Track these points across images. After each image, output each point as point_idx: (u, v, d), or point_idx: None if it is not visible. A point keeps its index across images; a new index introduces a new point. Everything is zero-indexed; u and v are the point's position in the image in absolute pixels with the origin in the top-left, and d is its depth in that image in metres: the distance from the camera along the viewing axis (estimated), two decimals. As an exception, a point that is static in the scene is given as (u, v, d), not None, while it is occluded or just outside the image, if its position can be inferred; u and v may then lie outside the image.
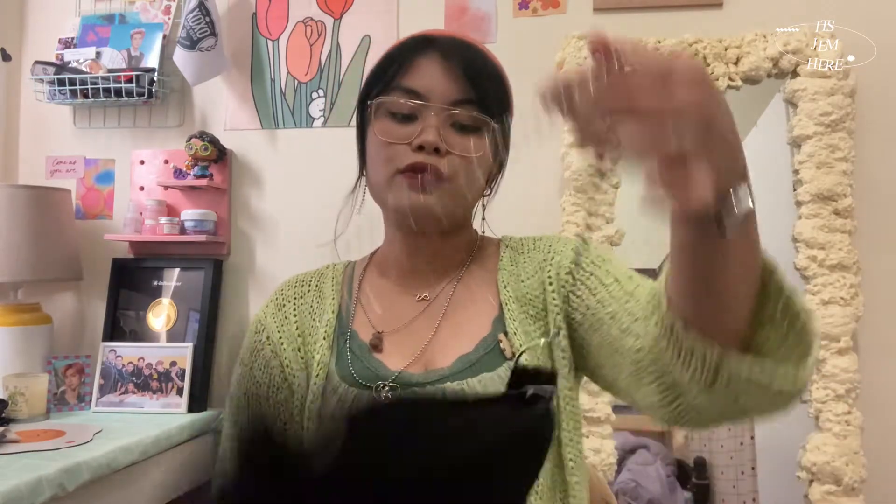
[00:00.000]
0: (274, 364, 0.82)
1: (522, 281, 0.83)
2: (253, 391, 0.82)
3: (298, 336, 0.84)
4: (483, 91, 0.77)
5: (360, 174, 0.89)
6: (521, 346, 0.76)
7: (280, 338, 0.84)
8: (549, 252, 0.84)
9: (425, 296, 0.84)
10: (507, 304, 0.81)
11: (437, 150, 0.75)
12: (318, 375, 0.79)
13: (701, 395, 0.57)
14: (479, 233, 0.92)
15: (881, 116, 1.62)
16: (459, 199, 0.80)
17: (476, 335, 0.80)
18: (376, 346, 0.81)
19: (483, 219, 0.89)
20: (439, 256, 0.85)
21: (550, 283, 0.80)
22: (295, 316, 0.85)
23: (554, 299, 0.79)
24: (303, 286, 0.89)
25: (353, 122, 2.04)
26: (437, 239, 0.83)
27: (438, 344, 0.80)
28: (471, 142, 0.77)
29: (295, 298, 0.88)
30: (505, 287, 0.82)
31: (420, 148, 0.75)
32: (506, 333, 0.79)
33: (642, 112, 0.40)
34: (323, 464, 0.44)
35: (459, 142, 0.77)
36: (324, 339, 0.82)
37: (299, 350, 0.83)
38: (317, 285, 0.89)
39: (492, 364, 0.77)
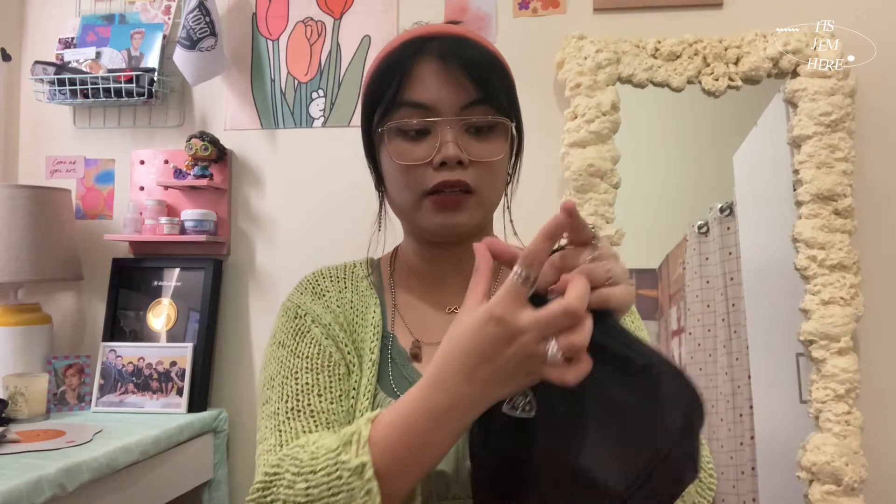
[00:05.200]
0: (326, 344, 0.77)
1: None
2: (304, 367, 0.75)
3: (347, 325, 0.80)
4: (490, 87, 0.74)
5: (381, 198, 0.85)
6: None
7: (330, 322, 0.79)
8: None
9: (455, 308, 0.81)
10: None
11: (459, 163, 0.73)
12: (372, 374, 0.76)
13: None
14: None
15: (881, 116, 1.62)
16: (488, 206, 0.78)
17: None
18: (416, 355, 0.78)
19: (508, 207, 0.86)
20: (465, 265, 0.78)
21: None
22: (339, 307, 0.81)
23: None
24: (338, 280, 0.85)
25: (353, 123, 2.04)
26: (460, 247, 0.80)
27: None
28: (491, 145, 0.75)
29: (336, 291, 0.83)
30: None
31: (442, 164, 0.72)
32: None
33: None
34: None
35: (480, 148, 0.74)
36: (373, 338, 0.79)
37: (350, 340, 0.79)
38: (352, 282, 0.85)
39: None
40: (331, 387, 0.74)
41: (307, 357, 0.76)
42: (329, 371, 0.75)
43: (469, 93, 0.73)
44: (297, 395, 0.73)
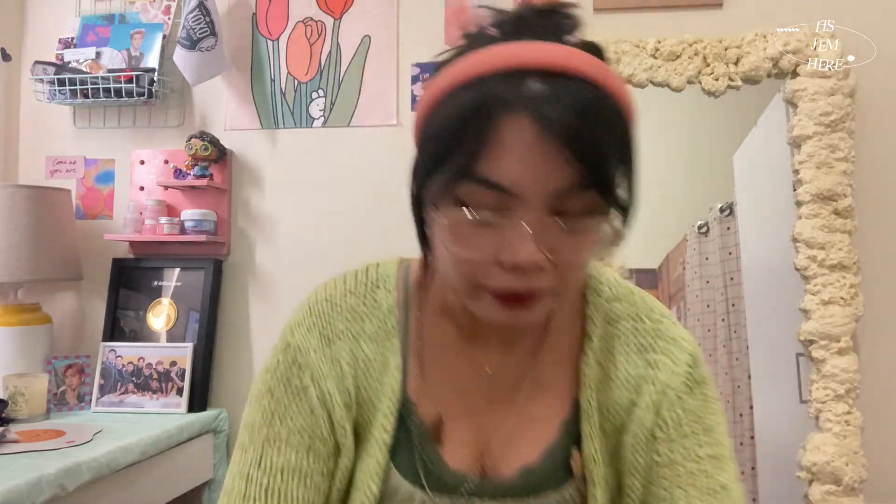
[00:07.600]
0: (320, 413, 0.65)
1: (613, 386, 0.66)
2: (289, 440, 0.65)
3: (354, 390, 0.66)
4: (603, 164, 0.51)
5: (424, 257, 0.65)
6: (603, 475, 0.65)
7: (331, 390, 0.65)
8: (655, 359, 0.65)
9: (488, 370, 0.68)
10: (587, 411, 0.65)
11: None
12: (382, 455, 0.65)
13: None
14: None
15: (881, 116, 1.62)
16: (565, 297, 0.62)
17: (540, 440, 0.65)
18: (436, 434, 0.66)
19: None
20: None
21: (649, 410, 0.64)
22: (349, 365, 0.66)
23: (638, 442, 0.64)
24: (355, 319, 0.68)
25: (353, 123, 2.02)
26: None
27: (500, 442, 0.66)
28: (585, 240, 0.54)
29: (350, 338, 0.67)
30: (589, 386, 0.65)
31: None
32: (580, 449, 0.65)
33: None
34: None
35: (569, 245, 0.53)
36: (388, 411, 0.66)
37: (351, 409, 0.66)
38: (371, 322, 0.68)
39: (557, 481, 0.65)
40: (312, 472, 0.64)
41: (297, 431, 0.65)
42: (315, 451, 0.65)
43: (567, 174, 0.51)
44: (276, 473, 0.64)
